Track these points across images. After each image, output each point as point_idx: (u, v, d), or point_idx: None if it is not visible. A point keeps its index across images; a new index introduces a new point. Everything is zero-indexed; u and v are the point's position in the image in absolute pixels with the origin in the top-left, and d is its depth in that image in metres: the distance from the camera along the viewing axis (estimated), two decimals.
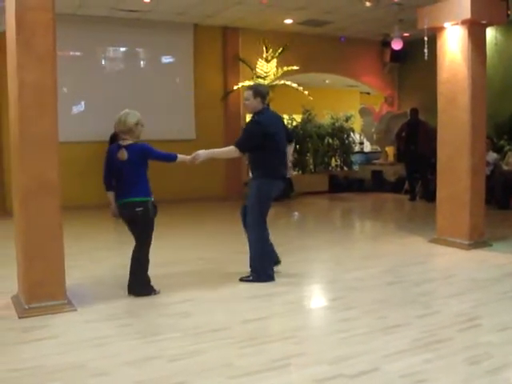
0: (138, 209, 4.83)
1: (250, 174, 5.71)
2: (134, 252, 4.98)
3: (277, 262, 5.60)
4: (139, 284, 4.95)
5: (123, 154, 4.82)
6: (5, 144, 9.57)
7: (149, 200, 4.89)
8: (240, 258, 5.71)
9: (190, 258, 6.42)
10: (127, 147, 4.84)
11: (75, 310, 4.49)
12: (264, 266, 5.38)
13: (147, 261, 4.98)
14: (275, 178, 5.39)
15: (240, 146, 5.33)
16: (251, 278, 5.37)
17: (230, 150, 5.38)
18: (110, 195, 5.02)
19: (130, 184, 4.85)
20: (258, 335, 3.96)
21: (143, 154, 4.87)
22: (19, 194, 4.47)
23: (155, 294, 4.96)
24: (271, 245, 5.55)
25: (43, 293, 4.43)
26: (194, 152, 5.20)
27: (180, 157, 5.12)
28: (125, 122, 4.83)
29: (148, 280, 4.99)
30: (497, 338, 3.78)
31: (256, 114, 5.41)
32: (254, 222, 5.39)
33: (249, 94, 5.41)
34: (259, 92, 5.40)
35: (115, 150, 4.90)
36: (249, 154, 5.45)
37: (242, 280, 5.37)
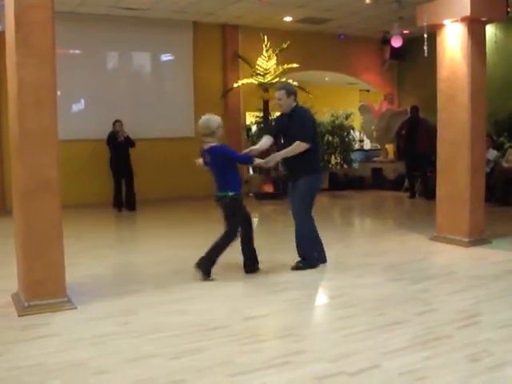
0: (220, 202, 5.37)
1: (285, 170, 5.94)
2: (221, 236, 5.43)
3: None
4: (207, 264, 5.36)
5: (206, 157, 5.42)
6: (4, 142, 9.56)
7: (228, 194, 5.33)
8: (238, 255, 5.71)
9: (189, 256, 6.39)
10: (208, 151, 5.35)
11: (75, 308, 4.49)
12: (312, 252, 5.71)
13: (224, 248, 5.39)
14: (320, 170, 5.81)
15: (306, 137, 5.47)
16: (301, 265, 5.65)
17: (298, 146, 5.47)
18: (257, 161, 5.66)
19: (217, 180, 5.43)
20: (259, 333, 3.97)
21: (222, 155, 5.32)
22: (19, 192, 4.46)
23: (207, 279, 5.34)
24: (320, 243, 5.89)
25: (43, 291, 4.42)
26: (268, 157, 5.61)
27: (257, 161, 5.57)
28: (208, 126, 5.29)
29: (213, 263, 5.39)
30: (497, 335, 3.77)
31: (292, 111, 5.58)
32: (303, 213, 5.64)
33: (281, 93, 5.55)
34: (291, 90, 5.61)
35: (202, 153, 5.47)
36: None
37: (294, 269, 5.62)
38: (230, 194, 5.32)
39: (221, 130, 5.37)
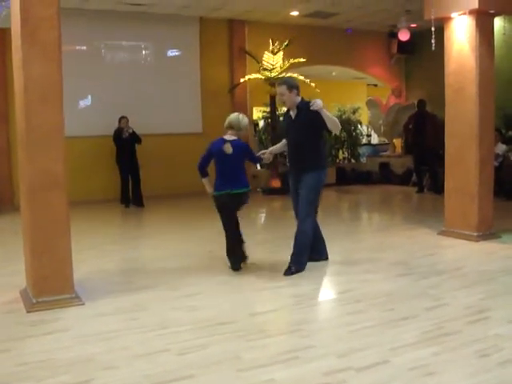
0: (244, 197, 5.49)
1: (290, 164, 5.69)
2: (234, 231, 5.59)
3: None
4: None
5: (229, 148, 5.39)
6: (12, 138, 9.59)
7: (249, 189, 5.56)
8: (248, 250, 5.70)
9: (199, 251, 6.42)
10: (232, 142, 5.43)
11: (83, 304, 4.50)
12: (306, 256, 5.47)
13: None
14: (326, 167, 5.64)
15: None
16: (293, 269, 5.31)
17: (337, 122, 5.30)
18: (205, 181, 5.60)
19: (234, 175, 5.44)
20: (266, 328, 3.96)
21: (244, 151, 5.54)
22: (26, 188, 4.47)
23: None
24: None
25: (51, 287, 4.44)
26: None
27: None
28: (240, 122, 5.50)
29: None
30: (506, 331, 3.75)
31: (297, 108, 5.36)
32: (311, 213, 5.43)
33: (283, 88, 5.34)
34: (293, 84, 5.39)
35: (220, 143, 5.45)
36: (304, 144, 5.32)
37: (286, 274, 5.25)
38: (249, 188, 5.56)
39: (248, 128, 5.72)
